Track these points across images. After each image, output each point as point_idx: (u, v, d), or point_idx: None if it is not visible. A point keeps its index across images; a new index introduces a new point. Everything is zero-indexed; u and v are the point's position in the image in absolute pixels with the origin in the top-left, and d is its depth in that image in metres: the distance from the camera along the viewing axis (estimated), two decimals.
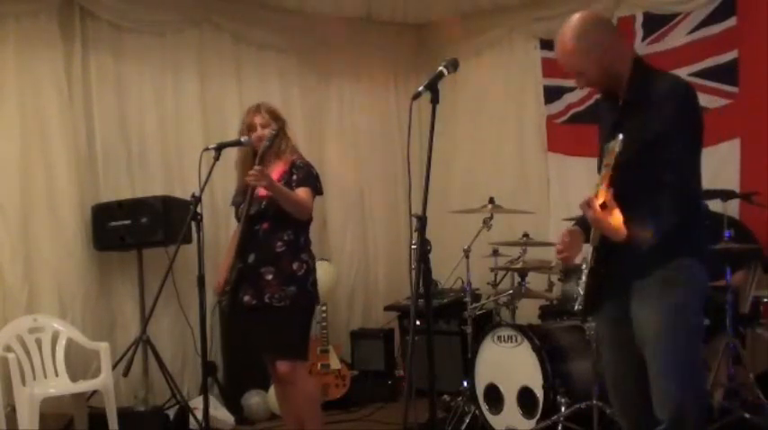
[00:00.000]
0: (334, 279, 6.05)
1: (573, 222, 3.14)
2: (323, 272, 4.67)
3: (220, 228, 5.72)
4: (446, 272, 5.69)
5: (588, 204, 2.67)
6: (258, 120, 4.02)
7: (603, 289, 2.88)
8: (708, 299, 2.94)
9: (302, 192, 3.93)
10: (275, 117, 4.03)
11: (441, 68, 2.95)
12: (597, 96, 6.35)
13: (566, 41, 2.88)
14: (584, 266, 2.94)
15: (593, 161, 6.19)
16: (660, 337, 2.80)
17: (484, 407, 4.73)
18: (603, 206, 2.63)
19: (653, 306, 2.81)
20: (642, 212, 2.68)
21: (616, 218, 2.64)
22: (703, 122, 2.85)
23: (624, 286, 2.87)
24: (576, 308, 2.97)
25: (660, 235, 2.70)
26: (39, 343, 4.86)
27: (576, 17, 2.90)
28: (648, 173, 2.73)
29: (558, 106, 6.23)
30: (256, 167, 3.76)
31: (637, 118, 2.80)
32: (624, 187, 2.67)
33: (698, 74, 5.44)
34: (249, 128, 4.04)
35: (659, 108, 2.76)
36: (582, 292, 2.91)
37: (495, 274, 5.30)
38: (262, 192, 3.88)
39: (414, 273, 2.84)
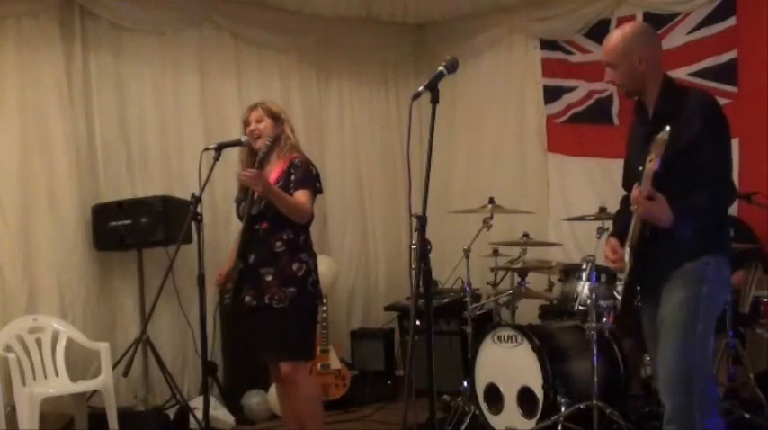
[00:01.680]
0: (335, 273, 6.04)
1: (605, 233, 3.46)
2: (323, 266, 4.66)
3: (220, 228, 5.72)
4: (446, 272, 5.69)
5: (636, 201, 2.90)
6: (253, 115, 4.02)
7: (640, 286, 3.10)
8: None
9: (301, 195, 3.90)
10: (272, 114, 4.02)
11: (441, 68, 2.99)
12: (597, 97, 6.41)
13: (613, 37, 3.15)
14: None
15: (593, 161, 6.27)
16: (675, 325, 2.97)
17: (484, 407, 4.73)
18: (650, 198, 2.86)
19: (676, 295, 2.99)
20: (681, 210, 2.89)
21: (664, 205, 2.87)
22: (730, 132, 3.06)
23: (658, 280, 3.06)
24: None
25: (698, 228, 2.93)
26: (39, 343, 4.87)
27: (633, 22, 3.36)
28: (685, 176, 2.92)
29: (557, 106, 6.23)
30: (252, 171, 3.75)
31: (669, 128, 2.94)
32: (663, 188, 2.86)
33: (697, 74, 5.45)
34: (245, 124, 4.06)
35: (689, 119, 2.96)
36: (620, 291, 3.16)
37: (495, 274, 5.30)
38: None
39: (414, 273, 2.85)
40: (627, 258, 3.06)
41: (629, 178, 3.27)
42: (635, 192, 2.91)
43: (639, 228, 2.98)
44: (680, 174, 2.91)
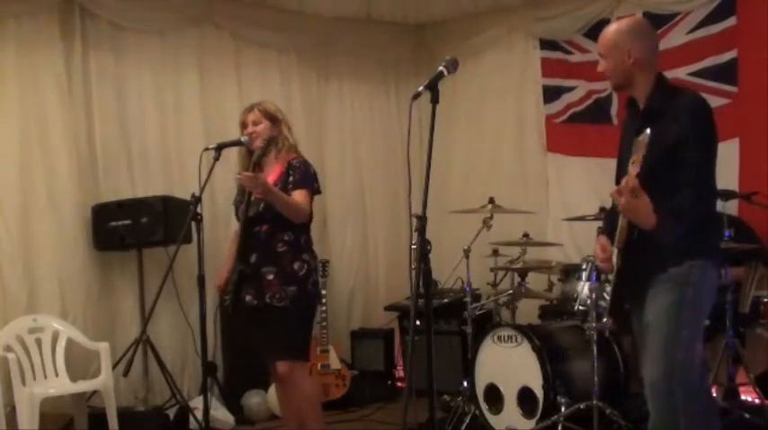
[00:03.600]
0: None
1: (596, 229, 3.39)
2: None
3: (220, 228, 5.72)
4: (446, 272, 5.69)
5: (619, 192, 2.84)
6: (250, 117, 4.03)
7: (627, 288, 3.08)
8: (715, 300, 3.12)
9: (298, 195, 3.91)
10: (269, 115, 4.03)
11: (441, 68, 2.99)
12: (596, 96, 6.41)
13: (610, 28, 3.18)
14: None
15: (592, 161, 6.28)
16: (660, 329, 2.96)
17: (484, 407, 4.73)
18: (634, 194, 2.81)
19: (662, 299, 2.98)
20: (666, 209, 2.85)
21: (647, 204, 2.81)
22: (718, 136, 3.04)
23: (644, 283, 3.04)
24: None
25: (682, 230, 2.89)
26: (39, 343, 4.87)
27: (632, 17, 3.35)
28: (669, 175, 2.90)
29: (556, 106, 6.23)
30: (249, 174, 3.76)
31: (657, 125, 2.94)
32: (647, 189, 2.82)
33: (697, 73, 5.44)
34: (242, 125, 4.07)
35: (678, 117, 2.95)
36: (608, 292, 3.12)
37: (495, 274, 5.31)
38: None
39: (414, 273, 2.85)
40: (615, 259, 3.05)
41: (622, 174, 3.27)
42: (623, 182, 2.87)
43: (626, 229, 2.97)
44: (662, 174, 2.89)
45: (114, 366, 4.89)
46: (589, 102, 6.06)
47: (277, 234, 3.91)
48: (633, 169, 2.80)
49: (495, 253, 5.29)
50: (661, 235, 2.86)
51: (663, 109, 3.03)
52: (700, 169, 2.94)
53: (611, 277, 3.14)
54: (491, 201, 5.12)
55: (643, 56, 3.09)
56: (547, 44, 6.27)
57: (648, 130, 2.78)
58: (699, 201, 2.94)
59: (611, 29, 3.16)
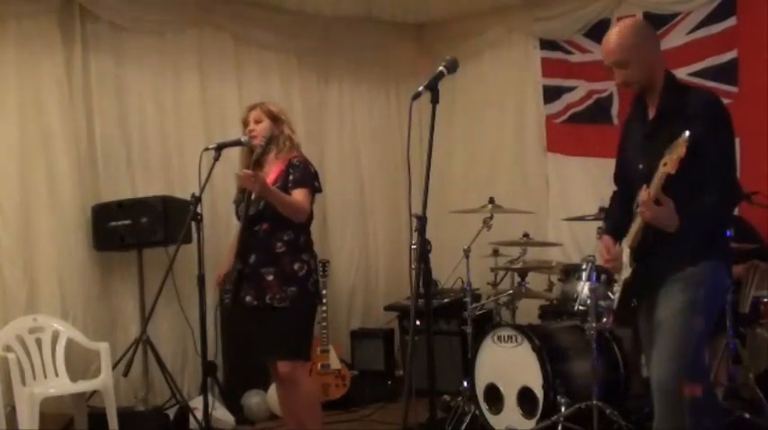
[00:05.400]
0: None
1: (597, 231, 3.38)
2: None
3: (220, 228, 5.72)
4: (446, 272, 5.69)
5: (645, 205, 2.84)
6: (252, 115, 4.05)
7: (638, 286, 3.07)
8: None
9: (298, 194, 3.92)
10: (270, 115, 4.04)
11: (440, 68, 2.99)
12: (597, 96, 6.39)
13: (615, 34, 3.08)
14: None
15: (593, 161, 6.27)
16: (673, 329, 2.95)
17: (484, 407, 4.73)
18: (658, 202, 2.81)
19: (676, 299, 2.97)
20: (687, 213, 2.85)
21: (670, 208, 2.82)
22: (734, 131, 3.02)
23: (657, 282, 3.02)
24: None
25: (702, 230, 2.91)
26: (39, 343, 4.86)
27: (627, 20, 3.25)
28: (686, 179, 2.84)
29: (557, 106, 6.23)
30: (249, 172, 3.77)
31: (671, 128, 2.91)
32: (669, 189, 2.82)
33: (697, 74, 5.44)
34: (243, 123, 4.09)
35: (693, 119, 2.89)
36: (618, 292, 3.10)
37: (495, 274, 5.31)
38: None
39: (414, 273, 2.85)
40: (626, 259, 3.04)
41: (625, 175, 3.25)
42: (643, 194, 2.86)
43: (642, 229, 2.95)
44: (684, 176, 2.84)
45: (114, 366, 4.89)
46: (589, 102, 6.06)
47: (276, 233, 3.91)
48: (663, 169, 2.76)
49: (496, 253, 5.29)
50: (683, 235, 2.86)
51: (676, 108, 3.00)
52: (720, 170, 2.94)
53: (616, 277, 3.13)
54: (491, 201, 5.12)
55: (658, 52, 3.08)
56: (547, 44, 6.27)
57: (687, 133, 2.73)
58: (723, 204, 2.97)
59: (620, 32, 3.06)
